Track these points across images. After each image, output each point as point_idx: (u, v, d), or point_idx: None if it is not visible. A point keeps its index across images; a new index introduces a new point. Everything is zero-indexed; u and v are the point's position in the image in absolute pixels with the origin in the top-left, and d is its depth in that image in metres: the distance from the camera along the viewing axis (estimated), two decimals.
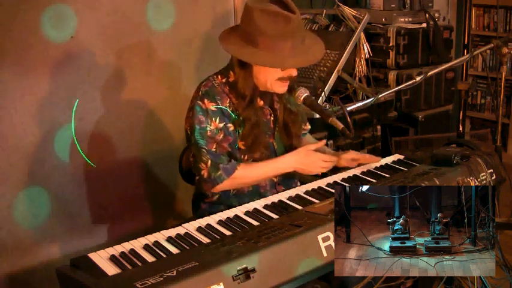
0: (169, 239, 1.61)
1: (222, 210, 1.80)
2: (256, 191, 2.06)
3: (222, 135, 1.93)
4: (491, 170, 2.08)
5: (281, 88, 1.97)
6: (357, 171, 2.13)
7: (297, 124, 2.12)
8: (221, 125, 1.93)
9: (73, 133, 2.54)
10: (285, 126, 2.09)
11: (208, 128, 1.92)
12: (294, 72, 1.95)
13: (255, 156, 2.01)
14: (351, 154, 2.14)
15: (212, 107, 1.93)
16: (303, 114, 2.21)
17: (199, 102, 1.94)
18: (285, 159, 2.00)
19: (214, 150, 1.92)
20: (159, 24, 2.79)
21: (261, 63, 1.89)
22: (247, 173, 1.96)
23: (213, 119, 1.93)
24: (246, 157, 2.01)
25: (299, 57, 1.89)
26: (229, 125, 1.95)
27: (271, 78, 1.93)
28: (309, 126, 2.32)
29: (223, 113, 1.94)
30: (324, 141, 2.13)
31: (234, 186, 2.00)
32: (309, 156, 2.00)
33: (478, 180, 2.01)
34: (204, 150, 1.92)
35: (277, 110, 2.08)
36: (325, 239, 1.53)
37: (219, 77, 2.00)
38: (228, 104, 1.96)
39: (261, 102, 2.02)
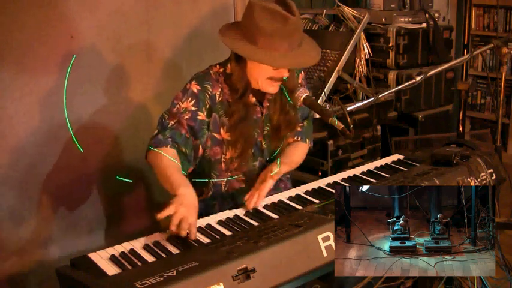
0: (169, 239, 1.61)
1: (215, 206, 1.78)
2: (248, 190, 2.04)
3: (187, 116, 1.92)
4: (491, 170, 2.08)
5: (271, 88, 1.96)
6: (357, 171, 2.13)
7: (290, 127, 2.09)
8: (193, 108, 1.93)
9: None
10: (276, 129, 2.07)
11: (177, 105, 1.93)
12: (285, 74, 1.93)
13: (236, 150, 2.00)
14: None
15: (195, 89, 1.94)
16: (304, 109, 2.17)
17: (187, 83, 1.97)
18: (179, 189, 1.77)
19: (167, 122, 1.92)
20: (159, 24, 2.79)
21: (253, 59, 1.88)
22: (157, 162, 1.85)
23: (189, 99, 1.93)
24: (230, 149, 2.00)
25: (293, 59, 1.88)
26: (201, 113, 1.94)
27: (262, 76, 1.93)
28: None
29: (202, 98, 1.94)
30: None
31: (151, 161, 1.91)
32: (189, 209, 1.69)
33: (478, 180, 2.01)
34: (160, 120, 1.94)
35: (269, 109, 2.06)
36: (325, 239, 1.53)
37: (217, 66, 2.02)
38: (218, 92, 1.96)
39: (253, 99, 2.01)
